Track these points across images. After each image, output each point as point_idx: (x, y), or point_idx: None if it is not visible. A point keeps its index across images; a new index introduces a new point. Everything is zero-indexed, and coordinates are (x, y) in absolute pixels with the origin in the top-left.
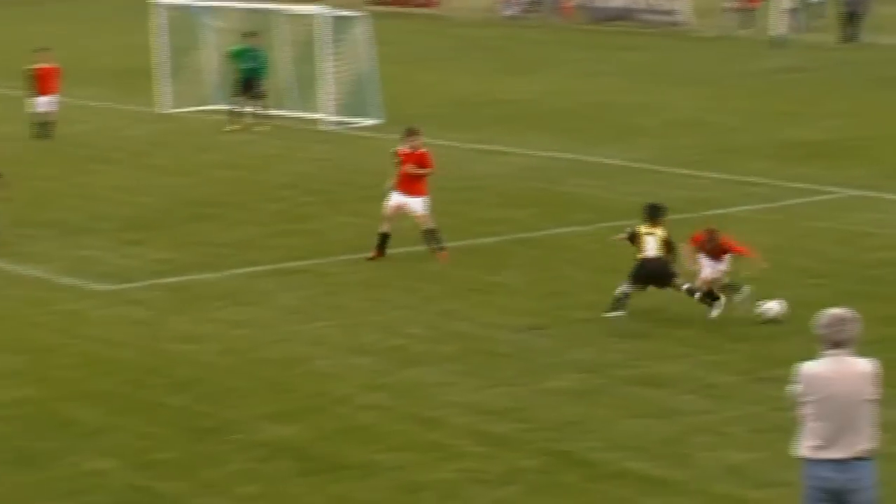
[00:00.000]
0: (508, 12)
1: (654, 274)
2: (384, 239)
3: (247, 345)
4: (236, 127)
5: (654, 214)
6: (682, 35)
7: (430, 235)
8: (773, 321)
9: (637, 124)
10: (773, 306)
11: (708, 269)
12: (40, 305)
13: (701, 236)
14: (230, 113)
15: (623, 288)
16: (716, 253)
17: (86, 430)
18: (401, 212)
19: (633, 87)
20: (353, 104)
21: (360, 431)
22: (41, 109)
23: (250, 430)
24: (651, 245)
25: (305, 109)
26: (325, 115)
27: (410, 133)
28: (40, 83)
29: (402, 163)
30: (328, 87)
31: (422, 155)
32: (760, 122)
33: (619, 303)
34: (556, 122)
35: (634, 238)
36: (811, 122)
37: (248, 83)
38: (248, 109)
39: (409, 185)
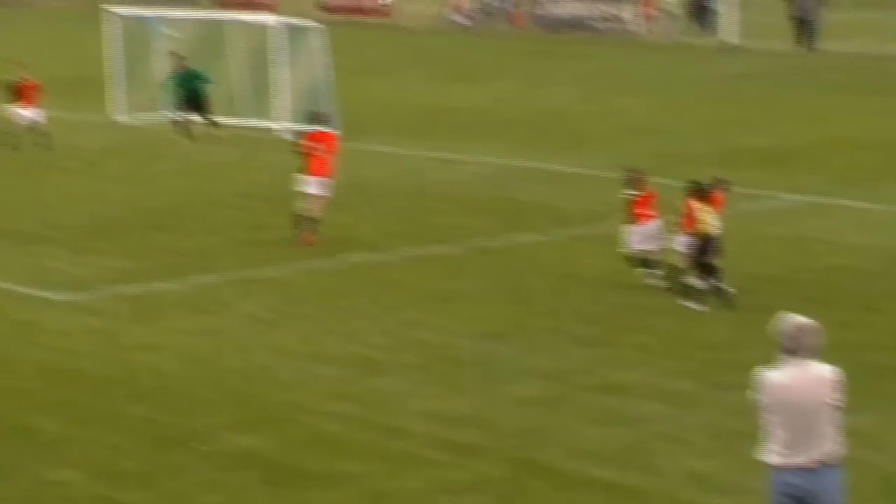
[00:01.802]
0: (458, 20)
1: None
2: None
3: (208, 354)
4: (180, 136)
5: (703, 191)
6: (634, 43)
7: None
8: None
9: (589, 132)
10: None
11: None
12: None
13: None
14: (174, 124)
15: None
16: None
17: (47, 441)
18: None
19: (585, 96)
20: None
21: (323, 441)
22: None
23: (213, 439)
24: (713, 220)
25: (260, 118)
26: (280, 124)
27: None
28: None
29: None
30: (283, 96)
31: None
32: (712, 128)
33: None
34: (509, 131)
35: (687, 213)
36: (762, 128)
37: (195, 102)
38: (198, 119)
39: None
